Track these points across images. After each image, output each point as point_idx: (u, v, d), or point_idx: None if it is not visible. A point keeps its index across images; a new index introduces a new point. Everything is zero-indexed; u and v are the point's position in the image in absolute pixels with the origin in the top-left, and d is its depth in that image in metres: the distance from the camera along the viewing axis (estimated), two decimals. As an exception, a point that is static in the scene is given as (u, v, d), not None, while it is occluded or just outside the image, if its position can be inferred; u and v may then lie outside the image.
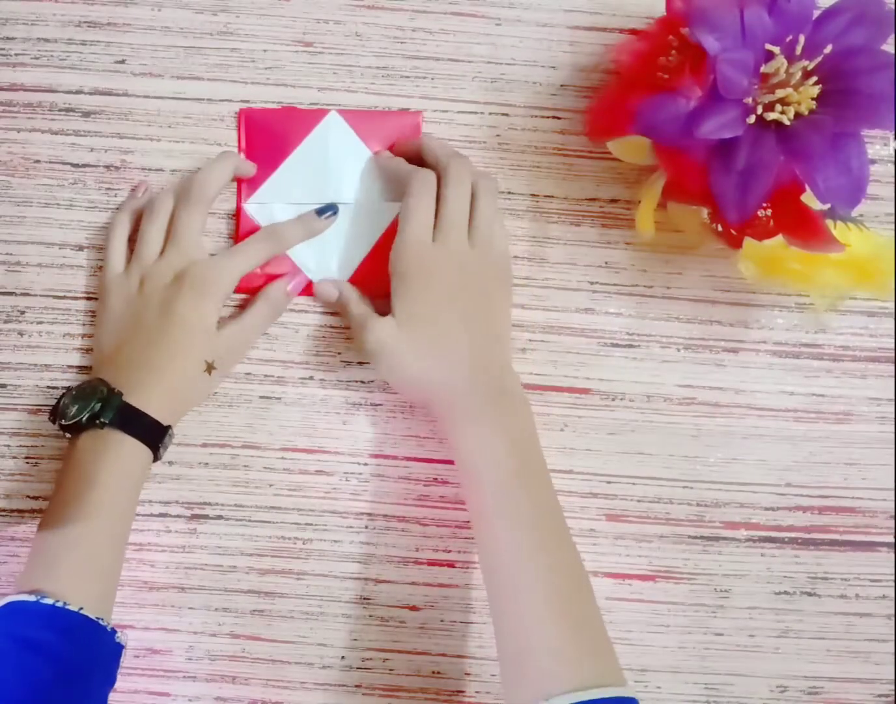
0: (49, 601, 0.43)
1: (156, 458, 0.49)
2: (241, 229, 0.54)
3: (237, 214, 0.55)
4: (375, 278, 0.53)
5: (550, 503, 0.47)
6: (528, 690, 0.43)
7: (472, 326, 0.49)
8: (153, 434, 0.48)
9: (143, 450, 0.48)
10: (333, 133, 0.55)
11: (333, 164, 0.55)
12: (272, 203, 0.55)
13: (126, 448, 0.47)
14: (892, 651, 0.54)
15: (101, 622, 0.44)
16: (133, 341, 0.50)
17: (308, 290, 0.54)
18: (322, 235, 0.54)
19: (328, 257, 0.54)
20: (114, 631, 0.45)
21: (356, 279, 0.54)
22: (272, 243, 0.53)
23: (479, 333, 0.49)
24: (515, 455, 0.47)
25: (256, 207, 0.55)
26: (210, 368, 0.49)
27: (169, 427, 0.49)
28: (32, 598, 0.43)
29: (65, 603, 0.43)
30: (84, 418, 0.47)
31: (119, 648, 0.46)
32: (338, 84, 0.56)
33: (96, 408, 0.47)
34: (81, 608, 0.43)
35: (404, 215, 0.50)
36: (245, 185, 0.55)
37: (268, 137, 0.55)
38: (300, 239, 0.54)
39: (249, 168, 0.54)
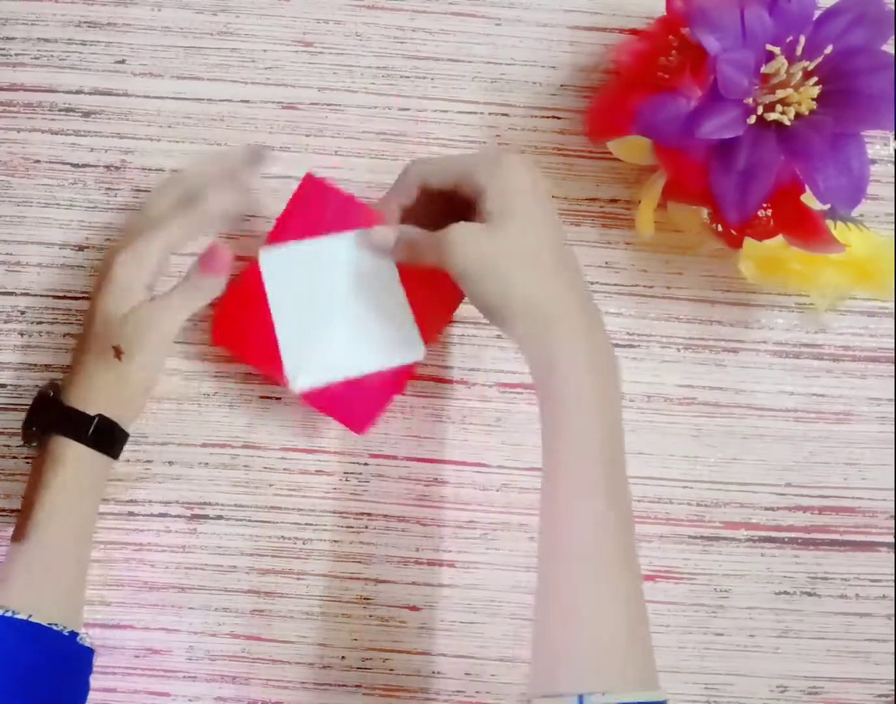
0: None
1: (106, 452, 0.47)
2: (247, 272, 0.50)
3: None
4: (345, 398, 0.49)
5: (627, 486, 0.43)
6: (574, 679, 0.39)
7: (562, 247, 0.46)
8: (76, 426, 0.46)
9: (74, 447, 0.46)
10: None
11: (356, 270, 0.50)
12: (283, 266, 0.50)
13: (58, 448, 0.46)
14: (892, 651, 0.54)
15: (53, 627, 0.44)
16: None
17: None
18: (309, 334, 0.49)
19: (303, 357, 0.49)
20: (73, 635, 0.44)
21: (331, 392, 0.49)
22: (191, 215, 0.48)
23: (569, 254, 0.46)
24: (606, 420, 0.42)
25: (268, 260, 0.50)
26: (118, 352, 0.46)
27: (97, 416, 0.46)
28: None
29: (14, 612, 0.43)
30: (23, 430, 0.48)
31: (84, 652, 0.45)
32: (338, 84, 0.56)
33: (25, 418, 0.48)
34: (30, 616, 0.43)
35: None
36: (275, 232, 0.50)
37: (321, 206, 0.50)
38: (221, 202, 0.48)
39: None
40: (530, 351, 0.44)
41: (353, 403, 0.49)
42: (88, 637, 0.46)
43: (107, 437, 0.47)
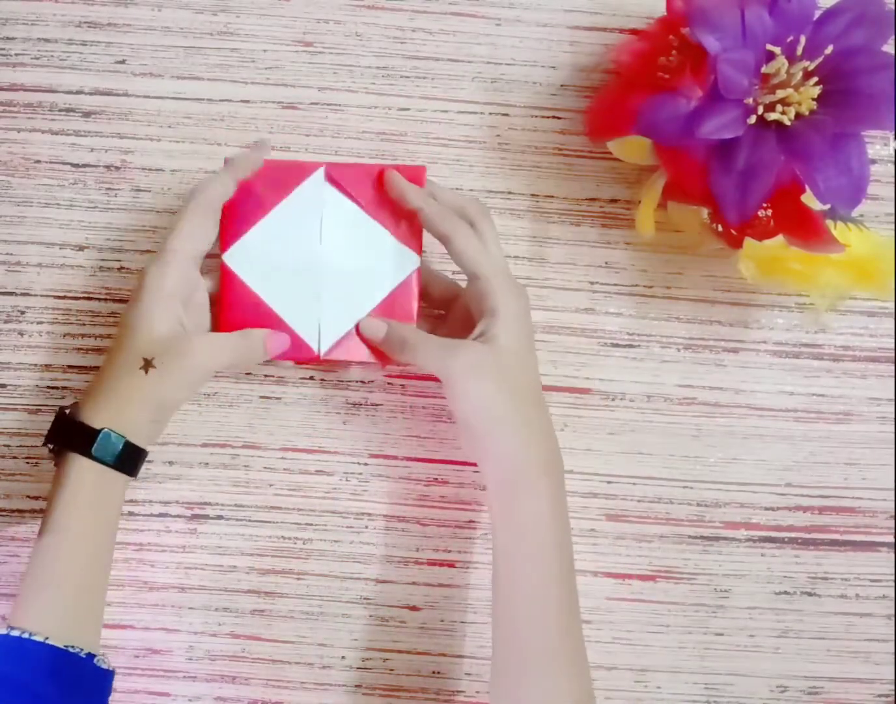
0: (16, 633, 0.42)
1: (118, 469, 0.45)
2: (223, 281, 0.50)
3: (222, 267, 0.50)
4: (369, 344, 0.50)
5: (575, 593, 0.47)
6: None
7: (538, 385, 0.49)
8: (83, 441, 0.44)
9: (86, 463, 0.44)
10: (323, 190, 0.50)
11: (320, 222, 0.50)
12: (252, 257, 0.50)
13: (70, 465, 0.45)
14: (892, 650, 0.54)
15: (70, 649, 0.43)
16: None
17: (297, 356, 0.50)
18: (309, 299, 0.50)
19: (314, 323, 0.50)
20: (90, 657, 0.43)
21: (350, 341, 0.50)
22: (193, 208, 0.48)
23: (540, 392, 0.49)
24: (562, 558, 0.46)
25: (236, 260, 0.50)
26: (147, 365, 0.45)
27: (101, 430, 0.44)
28: (3, 631, 0.42)
29: (30, 634, 0.42)
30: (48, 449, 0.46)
31: (102, 672, 0.44)
32: (338, 84, 0.56)
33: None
34: (46, 639, 0.42)
35: (494, 242, 0.49)
36: (225, 234, 0.50)
37: (249, 187, 0.50)
38: (216, 184, 0.48)
39: (251, 162, 0.50)
40: (495, 480, 0.47)
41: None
42: (106, 658, 0.45)
43: (119, 453, 0.45)
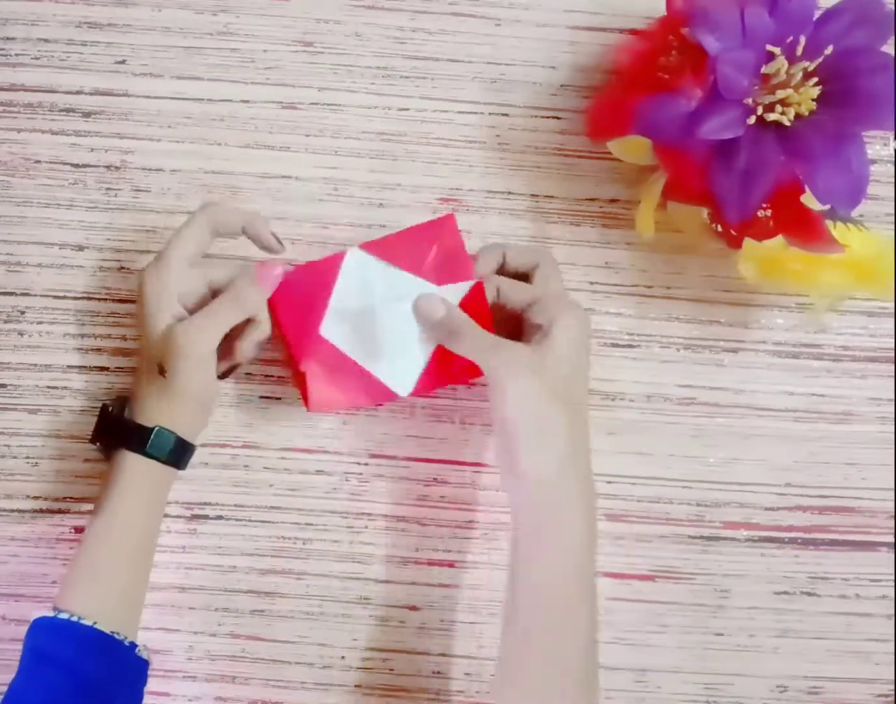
0: (64, 615, 0.44)
1: (170, 464, 0.48)
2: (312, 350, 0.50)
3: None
4: (446, 369, 0.50)
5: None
6: None
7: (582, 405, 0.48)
8: (136, 439, 0.47)
9: (134, 457, 0.47)
10: (362, 270, 0.50)
11: (374, 299, 0.49)
12: (337, 325, 0.50)
13: (123, 461, 0.47)
14: (892, 650, 0.54)
15: (116, 636, 0.45)
16: None
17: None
18: (383, 341, 0.49)
19: (395, 361, 0.50)
20: (133, 646, 0.46)
21: (428, 374, 0.50)
22: (198, 220, 0.48)
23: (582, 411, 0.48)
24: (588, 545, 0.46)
25: (329, 331, 0.50)
26: (161, 370, 0.47)
27: (154, 428, 0.47)
28: (51, 614, 0.45)
29: (79, 618, 0.44)
30: (92, 443, 0.50)
31: (142, 663, 0.46)
32: (338, 84, 0.56)
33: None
34: (95, 623, 0.44)
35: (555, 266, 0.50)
36: (302, 326, 0.50)
37: (297, 298, 0.50)
38: (229, 209, 0.49)
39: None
40: (526, 493, 0.45)
41: (452, 364, 0.50)
42: (145, 649, 0.47)
43: (172, 449, 0.48)
